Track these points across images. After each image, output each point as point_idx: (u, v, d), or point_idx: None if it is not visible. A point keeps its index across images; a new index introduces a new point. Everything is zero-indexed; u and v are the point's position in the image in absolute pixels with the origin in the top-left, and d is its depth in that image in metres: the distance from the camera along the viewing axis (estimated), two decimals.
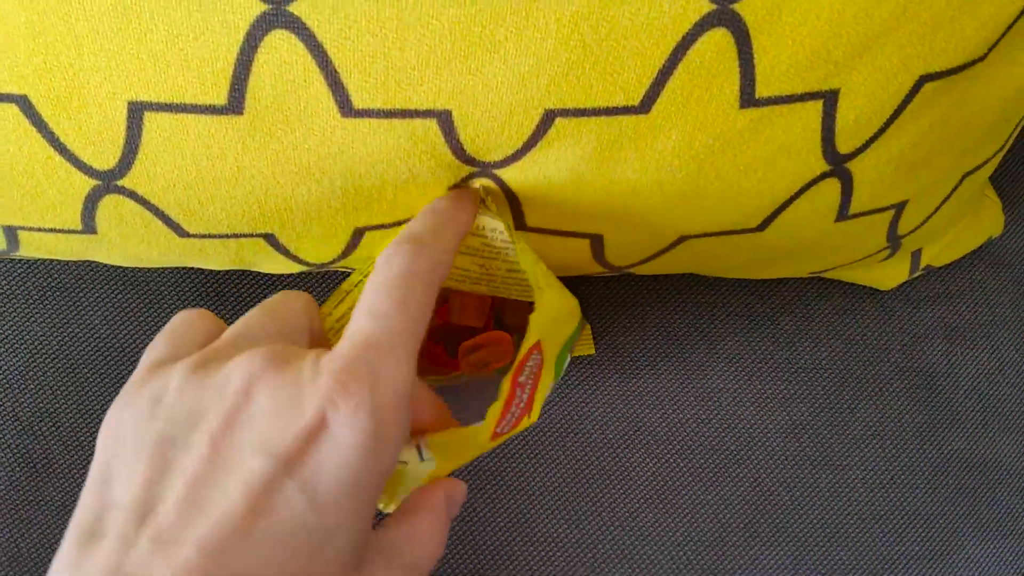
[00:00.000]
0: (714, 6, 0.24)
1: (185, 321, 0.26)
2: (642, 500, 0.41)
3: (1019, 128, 0.35)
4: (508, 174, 0.29)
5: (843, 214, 0.31)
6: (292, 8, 0.24)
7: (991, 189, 0.43)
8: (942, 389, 0.43)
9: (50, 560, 0.39)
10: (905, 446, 0.42)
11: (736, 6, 0.24)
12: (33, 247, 0.32)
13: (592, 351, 0.42)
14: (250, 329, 0.25)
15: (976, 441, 0.42)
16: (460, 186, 0.30)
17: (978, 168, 0.34)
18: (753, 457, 0.42)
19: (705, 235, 0.31)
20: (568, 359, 0.36)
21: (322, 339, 0.27)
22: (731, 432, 0.42)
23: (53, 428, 0.40)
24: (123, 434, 0.23)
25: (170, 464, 0.22)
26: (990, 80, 0.29)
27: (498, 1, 0.24)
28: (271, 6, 0.24)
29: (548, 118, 0.26)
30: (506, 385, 0.29)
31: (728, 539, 0.41)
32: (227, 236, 0.31)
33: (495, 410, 0.29)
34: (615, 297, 0.43)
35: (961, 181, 0.34)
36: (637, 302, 0.43)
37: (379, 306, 0.24)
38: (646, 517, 0.41)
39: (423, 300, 0.25)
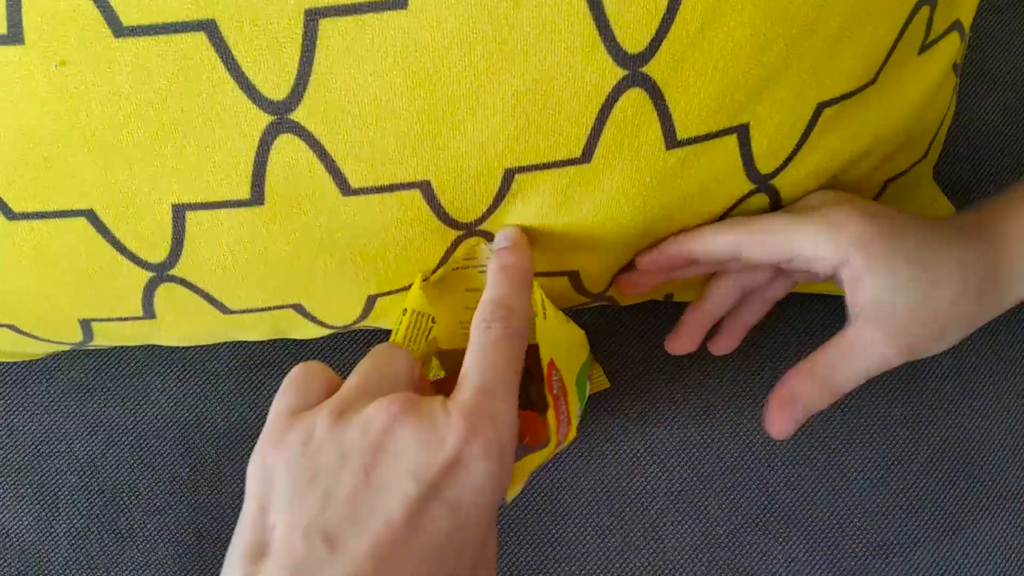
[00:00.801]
0: (626, 71, 0.29)
1: (306, 373, 0.31)
2: (659, 511, 0.45)
3: (937, 137, 0.39)
4: (487, 227, 0.34)
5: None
6: (293, 116, 0.30)
7: (942, 195, 0.47)
8: (927, 383, 0.46)
9: None
10: (898, 439, 0.45)
11: (645, 69, 0.29)
12: (104, 336, 0.39)
13: (608, 385, 0.47)
14: (369, 381, 0.30)
15: (966, 428, 0.45)
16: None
17: (903, 174, 0.38)
18: (756, 461, 0.45)
19: None
20: (588, 386, 0.41)
21: (421, 387, 0.32)
22: (734, 441, 0.46)
23: (134, 498, 0.46)
24: (275, 472, 0.28)
25: (327, 491, 0.27)
26: (886, 99, 0.34)
27: (453, 89, 0.29)
28: (276, 117, 0.30)
29: (509, 175, 0.32)
30: (548, 397, 0.35)
31: (740, 539, 0.44)
32: (263, 309, 0.37)
33: (551, 416, 0.35)
34: (620, 331, 0.48)
35: (885, 186, 0.38)
36: (639, 334, 0.48)
37: (488, 360, 0.30)
38: (664, 525, 0.45)
39: (520, 354, 0.31)
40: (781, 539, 0.44)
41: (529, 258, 0.34)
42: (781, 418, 0.34)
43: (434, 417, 0.28)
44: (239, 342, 0.48)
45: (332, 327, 0.39)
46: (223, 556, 0.45)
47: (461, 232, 0.34)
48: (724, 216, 0.36)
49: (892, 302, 0.33)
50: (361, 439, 0.27)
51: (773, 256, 0.34)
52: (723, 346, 0.42)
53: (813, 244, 0.33)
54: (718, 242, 0.35)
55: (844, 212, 0.33)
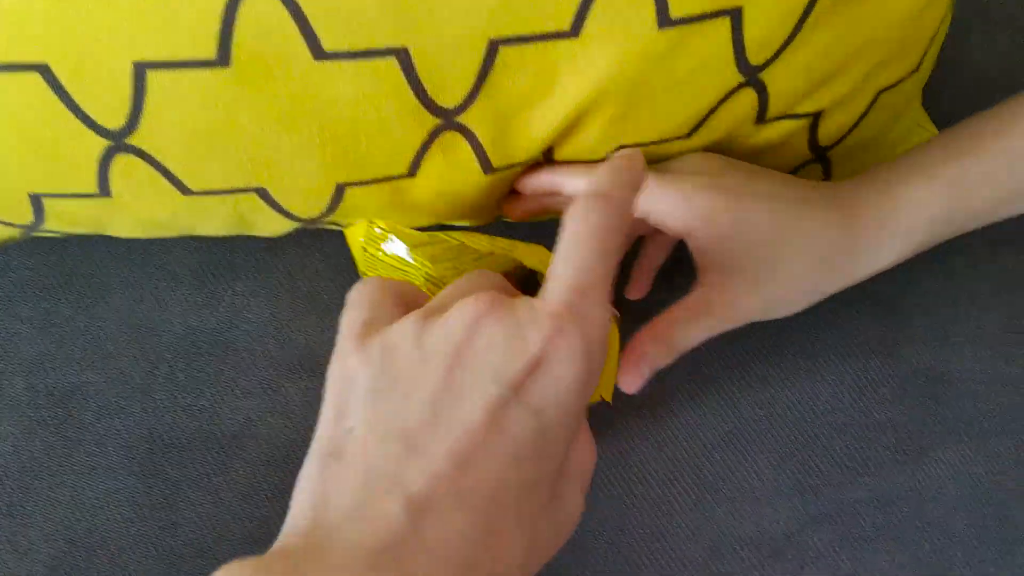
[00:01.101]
0: None
1: (368, 287, 0.30)
2: (624, 425, 0.44)
3: (930, 51, 0.38)
4: (469, 119, 0.33)
5: (761, 118, 0.35)
6: None
7: (929, 122, 0.46)
8: (902, 308, 0.46)
9: (65, 521, 0.43)
10: (870, 363, 0.45)
11: None
12: (57, 217, 0.37)
13: None
14: (460, 291, 0.29)
15: (937, 354, 0.45)
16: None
17: (893, 86, 0.37)
18: (726, 379, 0.45)
19: (641, 144, 0.35)
20: None
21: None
22: (703, 359, 0.45)
23: (84, 401, 0.44)
24: (354, 378, 0.27)
25: (406, 394, 0.26)
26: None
27: None
28: None
29: (492, 48, 0.30)
30: None
31: (709, 455, 0.44)
32: (225, 192, 0.35)
33: None
34: None
35: (876, 98, 0.37)
36: None
37: (580, 255, 0.27)
38: (628, 439, 0.44)
39: (616, 249, 0.28)
40: (747, 456, 0.44)
41: (643, 171, 0.31)
42: (630, 374, 0.37)
43: (519, 315, 0.26)
44: (202, 243, 0.46)
45: (298, 218, 0.38)
46: (176, 462, 0.43)
47: (439, 121, 0.33)
48: (710, 113, 0.35)
49: (733, 273, 0.34)
50: (444, 341, 0.26)
51: None
52: (635, 291, 0.44)
53: (662, 210, 0.34)
54: (582, 182, 0.35)
55: (698, 183, 0.34)
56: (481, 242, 0.38)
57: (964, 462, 0.44)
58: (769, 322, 0.45)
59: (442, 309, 0.28)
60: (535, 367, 0.25)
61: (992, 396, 0.44)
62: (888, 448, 0.44)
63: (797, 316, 0.45)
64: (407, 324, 0.27)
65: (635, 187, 0.31)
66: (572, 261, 0.27)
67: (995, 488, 0.43)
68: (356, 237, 0.39)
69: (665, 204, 0.34)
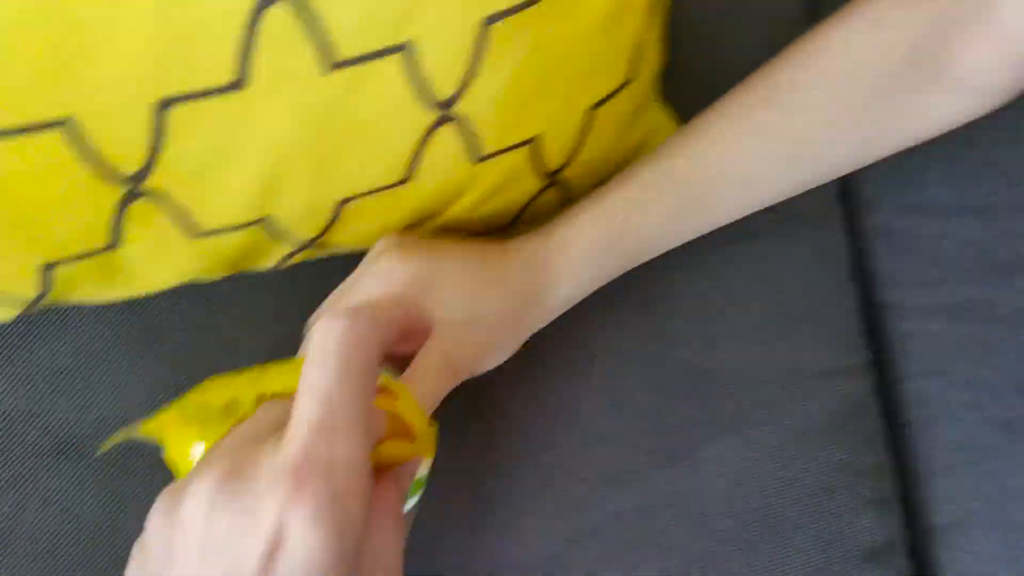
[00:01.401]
0: None
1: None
2: None
3: (645, 58, 0.39)
4: (157, 182, 0.32)
5: (478, 156, 0.35)
6: None
7: (674, 121, 0.47)
8: (661, 310, 0.46)
9: None
10: (630, 368, 0.45)
11: None
12: None
13: None
14: (206, 460, 0.27)
15: (698, 352, 0.46)
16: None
17: (607, 99, 0.38)
18: (484, 401, 0.44)
19: (362, 195, 0.35)
20: None
21: None
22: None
23: None
24: None
25: None
26: (567, 13, 0.33)
27: (79, 15, 0.27)
28: None
29: (164, 107, 0.30)
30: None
31: (478, 484, 0.43)
32: None
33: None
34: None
35: (592, 114, 0.38)
36: None
37: (320, 384, 0.25)
38: None
39: (365, 366, 0.26)
40: (512, 480, 0.43)
41: (397, 311, 0.34)
42: None
43: (252, 486, 0.24)
44: None
45: (20, 300, 0.36)
46: None
47: (128, 188, 0.32)
48: (417, 156, 0.34)
49: (439, 333, 0.36)
50: (183, 541, 0.25)
51: None
52: None
53: (370, 297, 0.36)
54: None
55: (390, 259, 0.37)
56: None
57: (730, 456, 0.44)
58: (533, 335, 0.45)
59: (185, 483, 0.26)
60: (274, 551, 0.24)
61: (754, 389, 0.45)
62: (651, 453, 0.44)
63: (556, 329, 0.45)
64: (154, 519, 0.26)
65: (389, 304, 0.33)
66: (309, 395, 0.26)
67: (759, 479, 0.44)
68: (167, 431, 0.34)
69: (370, 291, 0.36)
